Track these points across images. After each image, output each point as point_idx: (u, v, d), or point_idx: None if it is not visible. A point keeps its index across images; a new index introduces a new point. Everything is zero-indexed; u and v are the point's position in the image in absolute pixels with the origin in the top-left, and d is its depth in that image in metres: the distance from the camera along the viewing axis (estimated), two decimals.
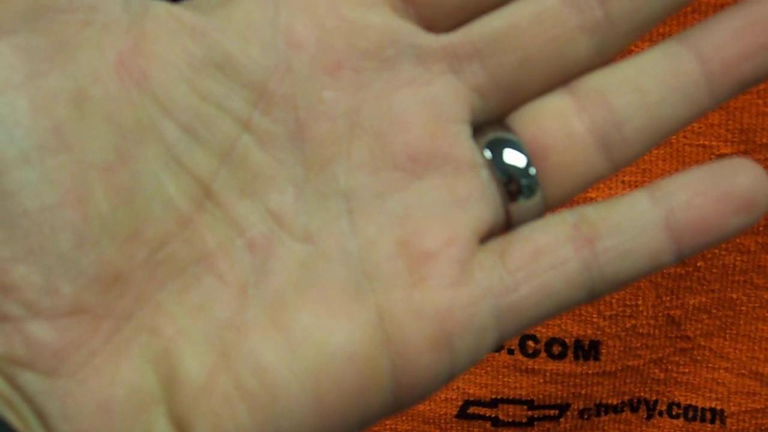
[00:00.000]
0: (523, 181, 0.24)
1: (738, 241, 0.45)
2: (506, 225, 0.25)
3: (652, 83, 0.25)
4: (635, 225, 0.24)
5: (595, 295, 0.24)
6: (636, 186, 0.44)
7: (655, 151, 0.43)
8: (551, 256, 0.24)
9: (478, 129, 0.25)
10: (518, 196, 0.25)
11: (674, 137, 0.43)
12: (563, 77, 0.25)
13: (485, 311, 0.24)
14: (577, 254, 0.24)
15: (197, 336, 0.23)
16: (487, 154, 0.25)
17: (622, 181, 0.44)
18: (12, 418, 0.21)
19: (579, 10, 0.24)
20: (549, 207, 0.25)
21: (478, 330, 0.24)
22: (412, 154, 0.24)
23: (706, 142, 0.43)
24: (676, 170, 0.43)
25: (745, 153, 0.43)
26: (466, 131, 0.25)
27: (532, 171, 0.24)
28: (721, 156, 0.43)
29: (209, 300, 0.23)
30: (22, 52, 0.21)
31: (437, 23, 0.25)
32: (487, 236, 0.25)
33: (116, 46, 0.22)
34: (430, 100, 0.24)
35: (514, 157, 0.24)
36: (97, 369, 0.22)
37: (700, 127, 0.42)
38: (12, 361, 0.21)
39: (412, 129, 0.24)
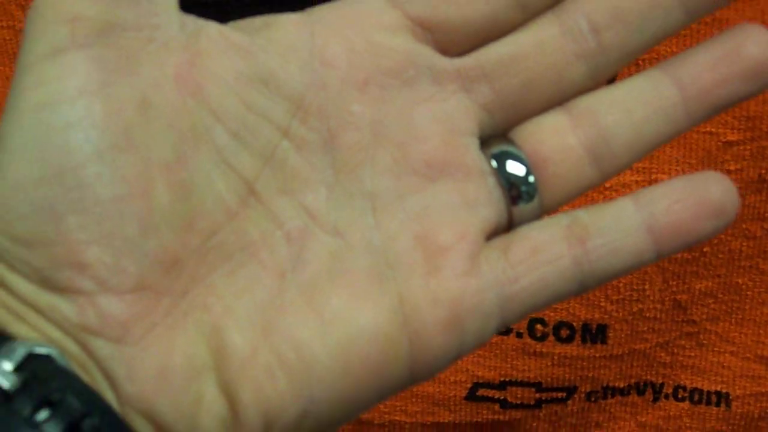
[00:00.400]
0: (524, 188, 0.28)
1: (744, 227, 0.45)
2: (508, 225, 0.28)
3: (637, 105, 0.28)
4: (621, 227, 0.27)
5: (585, 287, 0.27)
6: (645, 172, 0.44)
7: None
8: (548, 252, 0.27)
9: (485, 141, 0.29)
10: (519, 201, 0.28)
11: None
12: (560, 98, 0.28)
13: (491, 299, 0.27)
14: (570, 251, 0.27)
15: (242, 314, 0.25)
16: (493, 163, 0.28)
17: (631, 168, 0.44)
18: (85, 379, 0.24)
19: (575, 39, 0.28)
20: (546, 210, 0.28)
21: (484, 315, 0.27)
22: (428, 162, 0.28)
23: (713, 129, 0.43)
24: (684, 156, 0.44)
25: (751, 140, 0.43)
26: (475, 143, 0.28)
27: (532, 179, 0.28)
28: (727, 143, 0.43)
29: (253, 283, 0.26)
30: (95, 64, 0.24)
31: (451, 48, 0.28)
32: (492, 234, 0.28)
33: (175, 61, 0.25)
34: (444, 115, 0.28)
35: (516, 167, 0.28)
36: (158, 339, 0.24)
37: None
38: (85, 329, 0.24)
39: (429, 140, 0.28)
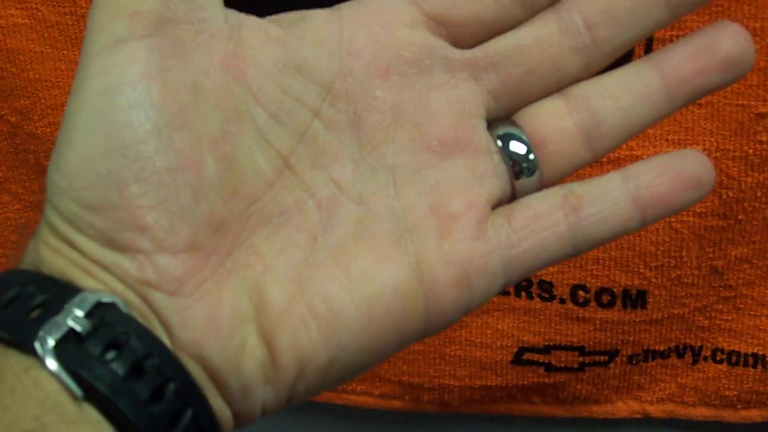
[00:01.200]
0: (525, 164, 0.31)
1: None
2: (512, 197, 0.32)
3: (625, 92, 0.31)
4: (610, 198, 0.31)
5: (579, 250, 0.31)
6: (680, 143, 0.45)
7: (697, 111, 0.44)
8: (546, 219, 0.30)
9: (491, 123, 0.32)
10: (521, 175, 0.31)
11: (715, 98, 0.44)
12: (558, 85, 0.32)
13: (496, 260, 0.30)
14: (565, 219, 0.30)
15: (280, 271, 0.28)
16: (498, 143, 0.31)
17: (666, 140, 0.45)
18: (145, 325, 0.27)
19: (571, 34, 0.31)
20: (545, 184, 0.32)
21: (490, 274, 0.30)
22: (442, 140, 0.31)
23: (744, 102, 0.44)
24: (717, 128, 0.45)
25: None
26: (482, 124, 0.32)
27: (532, 157, 0.31)
28: (759, 115, 0.44)
29: (289, 244, 0.29)
30: (153, 52, 0.27)
31: (462, 41, 0.31)
32: (497, 204, 0.31)
33: (221, 50, 0.29)
34: (456, 100, 0.31)
35: (518, 146, 0.31)
36: (207, 292, 0.27)
37: (739, 88, 0.43)
38: (145, 283, 0.27)
39: (442, 121, 0.31)
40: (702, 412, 0.52)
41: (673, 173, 0.31)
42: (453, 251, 0.30)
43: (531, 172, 0.31)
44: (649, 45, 0.43)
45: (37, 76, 0.48)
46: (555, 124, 0.31)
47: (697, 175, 0.31)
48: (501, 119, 0.32)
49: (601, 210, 0.31)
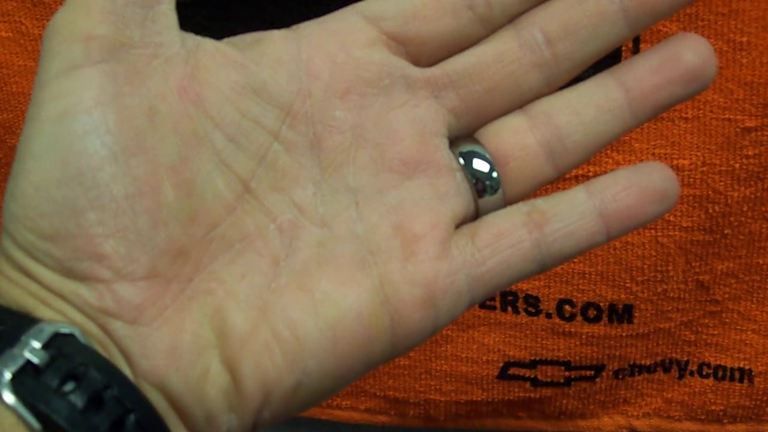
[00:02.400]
0: (488, 182, 0.31)
1: (764, 209, 0.46)
2: (475, 215, 0.31)
3: (587, 107, 0.31)
4: (575, 212, 0.30)
5: (544, 266, 0.30)
6: (666, 158, 0.45)
7: (684, 125, 0.44)
8: (510, 237, 0.30)
9: (453, 141, 0.32)
10: (484, 194, 0.31)
11: (701, 112, 0.44)
12: (519, 101, 0.31)
13: (461, 280, 0.30)
14: (530, 236, 0.30)
15: (242, 297, 0.28)
16: (461, 161, 0.31)
17: (653, 154, 0.45)
18: (105, 356, 0.26)
19: (531, 50, 0.31)
20: (509, 201, 0.31)
21: (455, 294, 0.30)
22: (404, 160, 0.31)
23: (731, 116, 0.44)
24: (704, 143, 0.45)
25: None
26: (444, 143, 0.31)
27: (495, 174, 0.31)
28: (746, 129, 0.44)
29: (250, 269, 0.29)
30: (108, 78, 0.27)
31: (422, 60, 0.31)
32: (461, 223, 0.31)
33: (177, 74, 0.28)
34: (417, 119, 0.31)
35: (481, 164, 0.31)
36: (168, 320, 0.27)
37: (725, 102, 0.44)
38: (104, 312, 0.26)
39: (404, 141, 0.31)
40: (688, 427, 0.52)
41: (638, 186, 0.30)
42: (417, 272, 0.29)
43: (494, 189, 0.31)
44: (636, 47, 0.43)
45: (21, 90, 0.48)
46: (517, 140, 0.31)
47: (663, 188, 0.30)
48: (463, 137, 0.32)
49: (567, 225, 0.30)
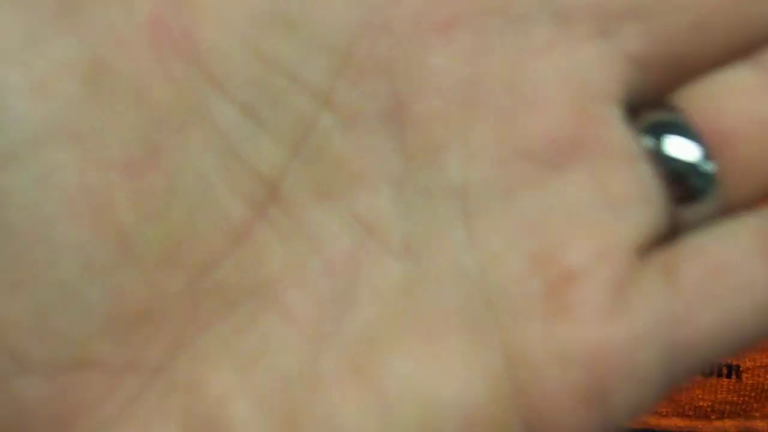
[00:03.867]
0: (696, 180, 0.19)
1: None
2: (673, 233, 0.19)
3: None
4: None
5: None
6: None
7: None
8: (736, 274, 0.18)
9: (635, 110, 0.20)
10: (689, 199, 0.19)
11: None
12: (749, 45, 0.19)
13: (650, 350, 0.18)
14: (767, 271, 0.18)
15: (254, 395, 0.17)
16: (648, 142, 0.19)
17: None
18: None
19: None
20: (729, 212, 0.19)
21: (640, 375, 0.18)
22: (549, 141, 0.19)
23: None
24: None
25: None
26: (619, 112, 0.19)
27: (709, 166, 0.19)
28: None
29: (270, 345, 0.18)
30: (19, 12, 0.16)
31: None
32: (648, 248, 0.19)
33: (149, 1, 0.17)
34: (572, 72, 0.19)
35: (684, 148, 0.19)
36: None
37: None
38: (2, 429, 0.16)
39: (549, 108, 0.19)
40: (676, 423, 0.51)
41: None
42: (573, 339, 0.18)
43: (706, 192, 0.19)
44: None
45: None
46: (747, 109, 0.19)
47: None
48: (652, 102, 0.20)
49: None
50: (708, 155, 0.19)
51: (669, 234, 0.19)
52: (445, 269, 0.18)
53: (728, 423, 0.51)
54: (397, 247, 0.19)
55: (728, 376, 0.50)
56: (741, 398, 0.50)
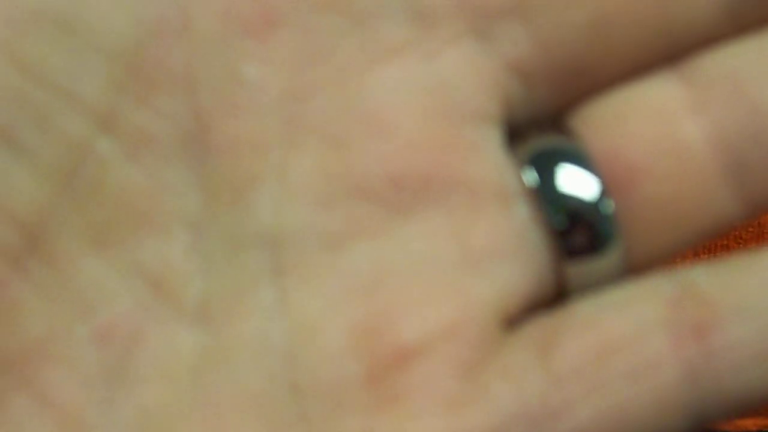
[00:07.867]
0: (591, 227, 0.15)
1: None
2: (560, 295, 0.16)
3: None
4: None
5: (705, 420, 0.15)
6: None
7: None
8: (630, 354, 0.15)
9: (516, 133, 0.16)
10: (582, 251, 0.15)
11: None
12: (668, 51, 0.16)
13: None
14: (677, 353, 0.15)
15: None
16: (531, 176, 0.15)
17: None
18: None
19: None
20: (633, 269, 0.16)
21: None
22: (395, 175, 0.15)
23: None
24: None
25: None
26: (493, 136, 0.16)
27: (608, 207, 0.15)
28: None
29: None
30: None
31: None
32: (519, 315, 0.16)
33: None
34: (431, 84, 0.15)
35: (577, 184, 0.15)
36: None
37: None
38: None
39: (396, 132, 0.15)
40: None
41: None
42: None
43: (603, 242, 0.15)
44: None
45: None
46: (662, 133, 0.15)
47: None
48: (539, 124, 0.16)
49: (754, 333, 0.15)
50: (608, 194, 0.15)
51: (554, 296, 0.16)
52: (247, 342, 0.15)
53: (749, 422, 0.51)
54: (191, 311, 0.15)
55: None
56: None
